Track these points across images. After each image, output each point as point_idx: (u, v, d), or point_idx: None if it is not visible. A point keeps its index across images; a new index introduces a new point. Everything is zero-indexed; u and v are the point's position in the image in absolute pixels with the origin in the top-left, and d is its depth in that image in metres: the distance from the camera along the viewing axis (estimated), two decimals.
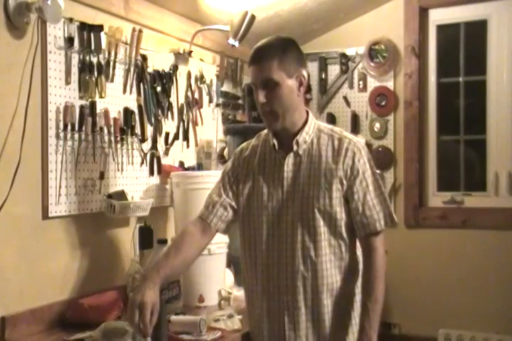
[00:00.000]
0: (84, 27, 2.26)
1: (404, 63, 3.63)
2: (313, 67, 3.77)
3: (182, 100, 2.91)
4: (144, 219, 2.56)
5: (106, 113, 2.38)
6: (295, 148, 1.85)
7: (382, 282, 1.84)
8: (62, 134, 2.18)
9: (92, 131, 2.30)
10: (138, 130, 2.56)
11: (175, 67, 2.82)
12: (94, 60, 2.32)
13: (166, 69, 2.76)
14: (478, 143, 3.55)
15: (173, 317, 2.09)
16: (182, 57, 2.87)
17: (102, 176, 2.36)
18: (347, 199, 1.84)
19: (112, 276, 2.44)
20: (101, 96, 2.36)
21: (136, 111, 2.56)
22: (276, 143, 1.87)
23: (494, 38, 3.47)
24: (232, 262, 2.79)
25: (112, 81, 2.44)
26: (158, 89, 2.70)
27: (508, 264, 3.34)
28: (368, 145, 3.56)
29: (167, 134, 2.78)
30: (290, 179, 1.85)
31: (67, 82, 2.21)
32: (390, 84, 3.66)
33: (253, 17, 2.86)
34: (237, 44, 2.93)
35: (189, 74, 2.96)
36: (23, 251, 2.05)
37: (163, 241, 2.39)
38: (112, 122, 2.40)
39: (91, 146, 2.31)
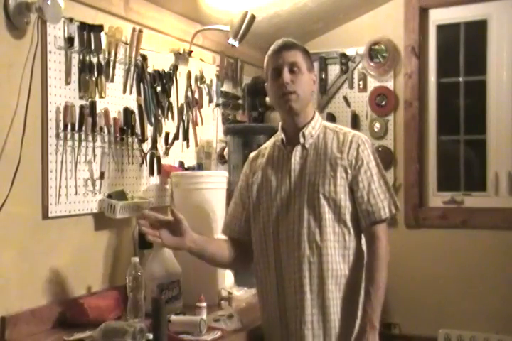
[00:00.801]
0: (84, 27, 2.26)
1: (404, 63, 3.63)
2: None
3: (182, 100, 2.91)
4: None
5: (106, 113, 2.38)
6: (301, 140, 1.97)
7: (385, 270, 1.91)
8: (62, 134, 2.18)
9: (92, 131, 2.30)
10: (138, 130, 2.56)
11: (175, 67, 2.82)
12: (94, 60, 2.32)
13: (166, 69, 2.76)
14: (478, 143, 3.56)
15: (173, 317, 2.09)
16: (182, 57, 2.87)
17: (102, 176, 2.36)
18: (352, 189, 1.93)
19: (112, 276, 2.44)
20: (101, 96, 2.36)
21: (136, 111, 2.56)
22: (284, 138, 2.00)
23: (494, 38, 3.47)
24: None
25: (112, 81, 2.44)
26: (158, 89, 2.70)
27: (508, 264, 3.34)
28: None
29: (167, 134, 2.78)
30: (297, 170, 1.96)
31: (67, 82, 2.21)
32: (390, 84, 3.67)
33: (253, 17, 2.86)
34: (237, 44, 2.93)
35: (189, 74, 2.96)
36: (23, 251, 2.05)
37: None
38: (112, 122, 2.40)
39: (91, 146, 2.31)
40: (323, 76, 3.81)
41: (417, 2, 3.58)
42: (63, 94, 2.20)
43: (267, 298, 2.03)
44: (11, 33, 2.00)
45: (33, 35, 2.06)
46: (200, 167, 2.87)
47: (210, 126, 3.16)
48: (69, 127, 2.20)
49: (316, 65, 3.79)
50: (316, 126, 2.00)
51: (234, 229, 2.13)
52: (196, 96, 3.01)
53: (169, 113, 2.79)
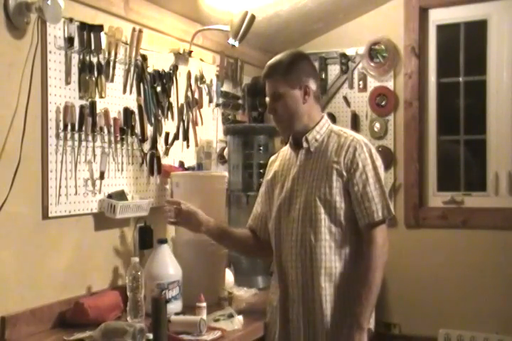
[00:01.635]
0: (84, 27, 2.26)
1: (404, 63, 3.63)
2: None
3: (182, 100, 2.91)
4: (144, 219, 2.56)
5: (106, 113, 2.38)
6: (305, 144, 2.05)
7: (379, 271, 1.93)
8: (62, 134, 2.18)
9: (92, 131, 2.30)
10: (138, 130, 2.56)
11: (175, 67, 2.82)
12: (94, 60, 2.32)
13: (166, 69, 2.76)
14: (478, 143, 3.55)
15: (173, 317, 2.09)
16: (182, 57, 2.87)
17: (102, 176, 2.36)
18: (348, 192, 1.97)
19: (112, 276, 2.45)
20: (101, 96, 2.36)
21: (136, 111, 2.56)
22: (292, 142, 2.11)
23: (494, 38, 3.47)
24: (232, 262, 2.80)
25: (112, 81, 2.44)
26: (158, 89, 2.70)
27: (507, 264, 3.34)
28: None
29: (167, 134, 2.78)
30: (301, 172, 2.05)
31: (67, 82, 2.21)
32: (390, 84, 3.66)
33: (253, 17, 2.86)
34: (237, 44, 2.93)
35: (189, 74, 2.96)
36: (23, 251, 2.05)
37: (163, 241, 2.39)
38: (111, 122, 2.40)
39: (91, 146, 2.31)
40: (323, 76, 3.80)
41: (417, 2, 3.57)
42: (63, 94, 2.20)
43: (276, 287, 2.10)
44: (11, 33, 2.00)
45: (33, 35, 2.06)
46: (200, 167, 2.87)
47: (210, 126, 3.16)
48: (69, 127, 2.20)
49: (316, 65, 3.79)
50: (321, 131, 2.06)
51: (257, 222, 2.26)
52: (196, 96, 3.01)
53: (169, 113, 2.79)
